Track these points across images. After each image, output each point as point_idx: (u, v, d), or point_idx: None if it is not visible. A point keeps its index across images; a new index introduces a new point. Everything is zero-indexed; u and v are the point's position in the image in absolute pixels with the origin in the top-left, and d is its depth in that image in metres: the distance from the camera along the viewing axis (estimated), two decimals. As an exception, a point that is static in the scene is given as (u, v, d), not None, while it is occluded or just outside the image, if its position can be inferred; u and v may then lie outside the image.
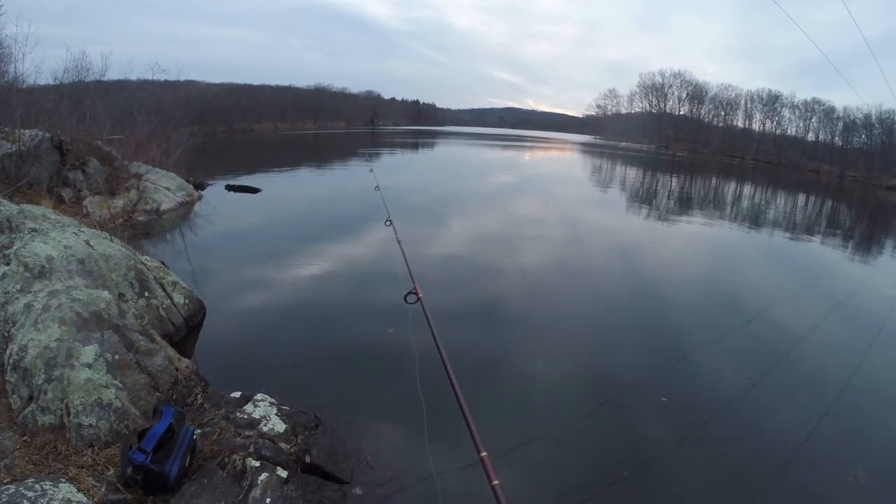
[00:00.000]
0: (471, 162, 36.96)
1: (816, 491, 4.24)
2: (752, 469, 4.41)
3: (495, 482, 1.94)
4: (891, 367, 6.80)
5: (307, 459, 3.68)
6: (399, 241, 5.19)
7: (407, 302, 3.59)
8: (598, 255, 11.37)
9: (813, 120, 76.00)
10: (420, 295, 3.58)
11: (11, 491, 2.59)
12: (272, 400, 4.18)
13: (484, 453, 2.06)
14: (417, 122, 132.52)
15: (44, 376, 3.53)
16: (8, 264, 4.69)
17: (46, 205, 8.66)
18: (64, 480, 2.86)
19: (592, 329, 7.12)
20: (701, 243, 14.15)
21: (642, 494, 4.04)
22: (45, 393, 3.48)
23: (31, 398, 3.54)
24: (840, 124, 71.24)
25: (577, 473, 4.24)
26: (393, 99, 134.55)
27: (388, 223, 6.13)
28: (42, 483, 2.73)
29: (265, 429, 3.76)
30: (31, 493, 2.61)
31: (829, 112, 73.47)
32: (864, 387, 6.07)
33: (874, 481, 4.42)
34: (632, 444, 4.63)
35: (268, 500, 3.08)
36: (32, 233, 5.55)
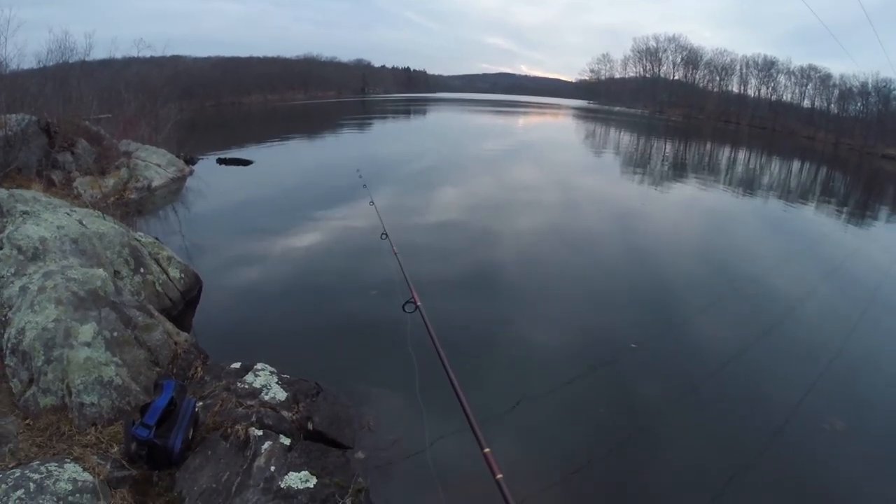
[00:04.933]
0: (463, 129, 36.64)
1: (809, 455, 4.31)
2: (746, 433, 4.46)
3: (499, 476, 1.96)
4: (883, 333, 6.87)
5: (309, 426, 3.71)
6: (395, 253, 5.05)
7: (405, 311, 3.55)
8: (591, 221, 11.37)
9: (809, 87, 74.80)
10: (418, 303, 3.55)
11: (17, 475, 2.60)
12: (272, 369, 4.20)
13: (487, 449, 2.08)
14: (409, 90, 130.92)
15: (43, 358, 3.54)
16: (1, 248, 4.67)
17: (36, 188, 8.60)
18: (69, 460, 2.87)
19: (590, 298, 7.11)
20: (694, 209, 14.12)
21: (639, 462, 4.06)
22: (46, 374, 3.49)
23: (31, 381, 3.55)
24: (836, 92, 69.92)
25: (574, 444, 4.26)
26: (383, 67, 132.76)
27: (384, 236, 5.86)
28: (47, 465, 2.75)
29: (266, 398, 3.78)
30: (36, 476, 2.62)
31: (825, 79, 72.26)
32: (858, 352, 6.11)
33: (866, 445, 4.49)
34: (628, 412, 4.67)
35: (272, 468, 3.11)
36: (24, 215, 5.53)
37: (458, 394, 2.50)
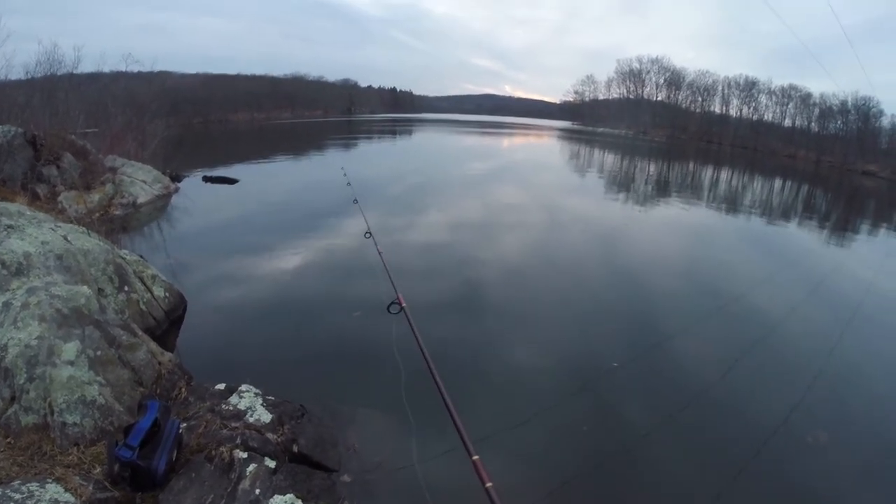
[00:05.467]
0: (448, 150, 36.80)
1: (793, 474, 4.32)
2: (731, 451, 4.51)
3: (489, 484, 1.97)
4: (866, 350, 6.93)
5: (294, 449, 3.69)
6: (380, 253, 5.16)
7: (390, 312, 3.58)
8: (577, 242, 11.44)
9: (790, 106, 76.50)
10: (403, 305, 3.57)
11: (-2, 493, 2.57)
12: (257, 390, 4.17)
13: (476, 457, 2.09)
14: (395, 110, 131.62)
15: (25, 375, 3.49)
16: (-16, 262, 4.62)
17: (21, 201, 8.51)
18: (51, 481, 2.83)
19: (576, 317, 7.15)
20: (678, 229, 14.26)
21: (625, 479, 4.11)
22: (28, 392, 3.45)
23: (13, 398, 3.50)
24: (816, 110, 71.76)
25: (566, 460, 4.28)
26: (370, 87, 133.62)
27: (367, 235, 6.06)
28: (28, 485, 2.71)
29: (251, 419, 3.75)
30: (17, 496, 2.58)
31: (805, 98, 74.00)
32: (841, 369, 6.19)
33: (851, 463, 4.54)
34: (614, 430, 4.70)
35: (257, 491, 3.09)
36: (8, 229, 5.47)
37: (444, 396, 2.50)
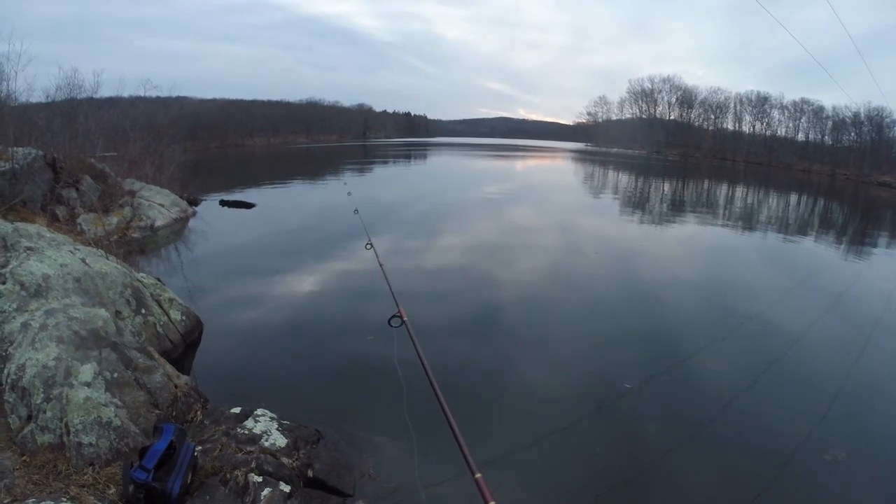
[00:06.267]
0: (464, 173, 36.94)
1: (818, 491, 4.24)
2: (754, 469, 4.41)
3: (491, 502, 1.95)
4: (888, 363, 6.80)
5: (310, 473, 3.66)
6: (381, 265, 5.18)
7: (391, 326, 3.56)
8: (592, 261, 11.37)
9: (802, 120, 76.32)
10: (405, 318, 3.56)
11: (13, 511, 2.57)
12: (272, 414, 4.16)
13: (478, 475, 2.06)
14: (409, 134, 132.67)
15: (42, 395, 3.51)
16: (4, 283, 4.67)
17: (40, 223, 8.62)
18: (65, 500, 2.83)
19: (587, 336, 7.10)
20: (694, 247, 14.15)
21: (643, 496, 4.04)
22: (44, 412, 3.46)
23: (29, 417, 3.51)
24: (829, 123, 71.48)
25: (576, 481, 4.22)
26: (384, 111, 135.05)
27: (368, 246, 6.08)
28: (43, 503, 2.71)
29: (266, 444, 3.73)
30: (33, 514, 2.59)
31: (818, 112, 73.77)
32: (863, 383, 6.07)
33: (874, 477, 4.43)
34: (633, 449, 4.63)
35: (271, 516, 3.07)
36: (28, 251, 5.53)
37: (446, 412, 2.46)
